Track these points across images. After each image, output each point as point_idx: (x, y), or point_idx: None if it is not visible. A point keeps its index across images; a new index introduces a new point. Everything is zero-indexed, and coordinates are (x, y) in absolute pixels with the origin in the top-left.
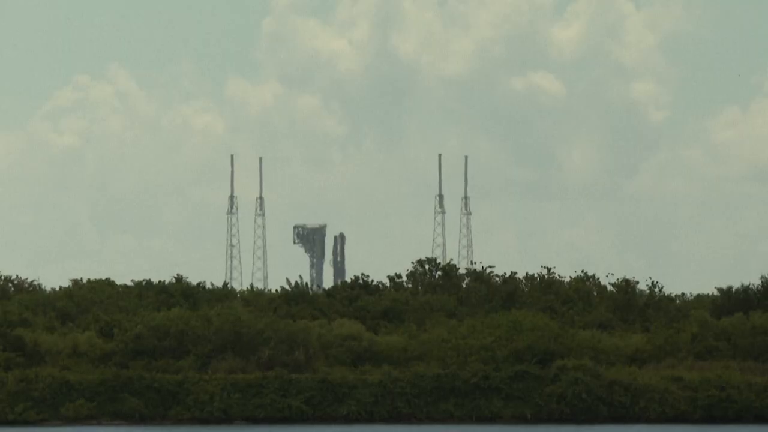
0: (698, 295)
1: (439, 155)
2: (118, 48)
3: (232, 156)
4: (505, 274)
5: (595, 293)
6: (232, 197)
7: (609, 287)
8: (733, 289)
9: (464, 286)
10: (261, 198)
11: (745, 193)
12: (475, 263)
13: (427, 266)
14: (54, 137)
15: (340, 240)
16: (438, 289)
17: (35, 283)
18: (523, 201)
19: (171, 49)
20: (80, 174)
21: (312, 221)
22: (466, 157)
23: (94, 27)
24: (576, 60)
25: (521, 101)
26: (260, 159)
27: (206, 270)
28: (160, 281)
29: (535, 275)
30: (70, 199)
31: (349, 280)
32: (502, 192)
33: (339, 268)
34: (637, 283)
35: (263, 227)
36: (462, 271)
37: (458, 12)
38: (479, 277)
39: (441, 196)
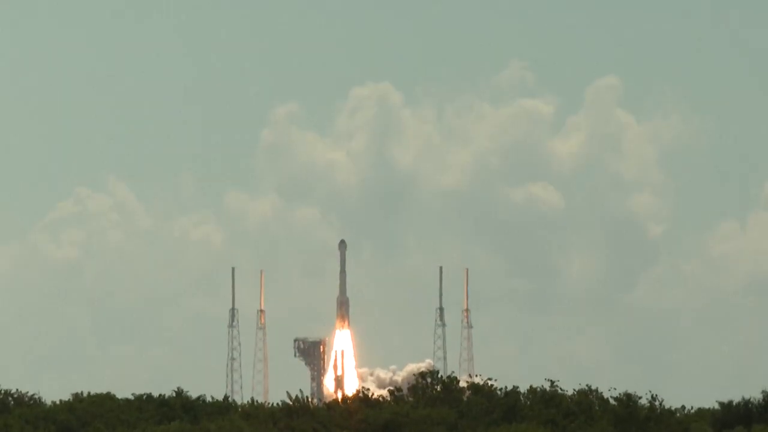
0: (699, 408)
1: (440, 268)
2: (117, 160)
3: (233, 269)
4: (506, 387)
5: (597, 407)
6: (232, 310)
7: (611, 401)
8: (734, 403)
9: (465, 399)
10: (262, 311)
11: (744, 305)
12: (475, 376)
13: (429, 379)
14: (53, 249)
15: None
16: (439, 402)
17: (36, 396)
18: (524, 312)
19: (169, 161)
20: (80, 286)
21: (312, 334)
22: (467, 270)
23: (92, 139)
24: (575, 171)
25: (520, 212)
26: (261, 271)
27: (207, 382)
28: (160, 395)
29: (537, 388)
30: (70, 310)
31: (349, 393)
32: (502, 303)
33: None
34: (640, 397)
35: (264, 340)
36: (463, 383)
37: (457, 123)
38: (480, 389)
39: (441, 309)
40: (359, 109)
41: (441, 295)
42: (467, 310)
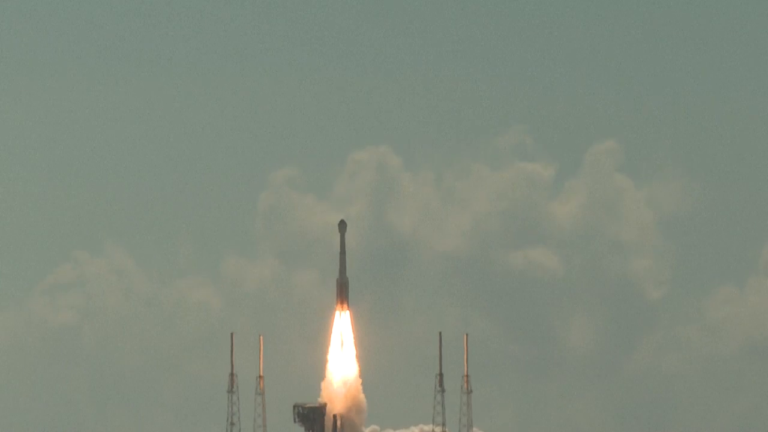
0: None
1: (440, 333)
2: (115, 224)
3: (231, 333)
4: None
5: None
6: (231, 375)
7: None
8: None
9: None
10: (261, 376)
11: (742, 370)
12: None
13: None
14: (51, 314)
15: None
16: None
17: None
18: (523, 377)
19: (168, 225)
20: (78, 350)
21: (312, 399)
22: (467, 335)
23: (90, 203)
24: (574, 235)
25: (520, 277)
26: (260, 336)
27: None
28: None
29: None
30: (68, 375)
31: None
32: (502, 368)
33: None
34: None
35: (263, 406)
36: None
37: (456, 187)
38: None
39: (441, 375)
40: (358, 173)
41: (441, 360)
42: (467, 375)
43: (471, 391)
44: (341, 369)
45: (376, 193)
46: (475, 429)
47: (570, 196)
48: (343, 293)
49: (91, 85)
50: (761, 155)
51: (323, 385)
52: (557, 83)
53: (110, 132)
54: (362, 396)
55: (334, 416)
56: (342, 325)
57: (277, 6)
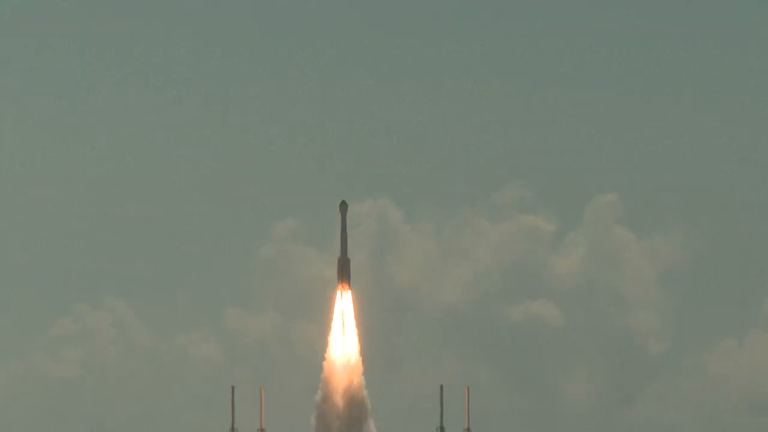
0: None
1: (441, 386)
2: (116, 277)
3: (232, 387)
4: None
5: None
6: (233, 429)
7: None
8: None
9: None
10: (262, 429)
11: (743, 424)
12: None
13: None
14: (52, 367)
15: None
16: None
17: None
18: (525, 430)
19: (168, 278)
20: (79, 404)
21: None
22: (468, 389)
23: (92, 257)
24: (575, 289)
25: (521, 330)
26: (261, 390)
27: None
28: None
29: None
30: (69, 429)
31: None
32: (503, 421)
33: None
34: None
35: None
36: None
37: (456, 240)
38: None
39: (442, 428)
40: (358, 225)
41: (442, 413)
42: (468, 429)
43: None
44: None
45: (377, 245)
46: None
47: (571, 248)
48: (343, 271)
49: (92, 137)
50: (761, 208)
51: None
52: (557, 137)
53: (111, 186)
54: None
55: None
56: None
57: (278, 59)
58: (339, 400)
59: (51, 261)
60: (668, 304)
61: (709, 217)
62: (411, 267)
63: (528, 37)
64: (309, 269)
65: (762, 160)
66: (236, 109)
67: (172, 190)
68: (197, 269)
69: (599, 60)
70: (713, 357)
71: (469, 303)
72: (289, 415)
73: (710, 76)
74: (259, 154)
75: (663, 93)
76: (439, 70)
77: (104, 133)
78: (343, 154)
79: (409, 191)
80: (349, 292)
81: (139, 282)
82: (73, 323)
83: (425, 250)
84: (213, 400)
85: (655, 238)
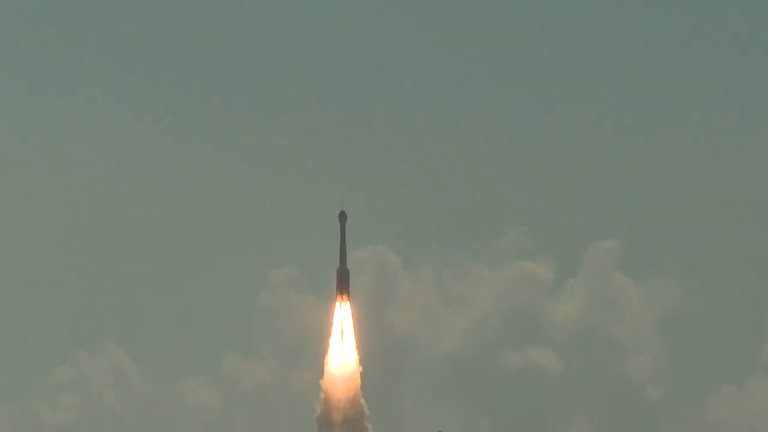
0: None
1: None
2: (114, 324)
3: None
4: None
5: None
6: None
7: None
8: None
9: None
10: None
11: None
12: None
13: None
14: (50, 413)
15: None
16: None
17: None
18: None
19: (166, 324)
20: None
21: None
22: None
23: (89, 303)
24: (574, 335)
25: (519, 377)
26: None
27: None
28: None
29: None
30: None
31: None
32: None
33: None
34: None
35: None
36: None
37: (455, 287)
38: None
39: None
40: (358, 273)
41: None
42: None
43: None
44: None
45: (375, 293)
46: None
47: (570, 295)
48: (342, 282)
49: (91, 188)
50: (761, 253)
51: None
52: (555, 184)
53: (110, 232)
54: None
55: None
56: None
57: (278, 106)
58: None
59: (49, 307)
60: (667, 350)
61: (707, 262)
62: (410, 314)
63: (527, 83)
64: (308, 316)
65: (761, 204)
66: (236, 155)
67: (171, 238)
68: (195, 316)
69: (598, 108)
70: (713, 403)
71: (467, 350)
72: None
73: (710, 125)
74: (257, 201)
75: (661, 140)
76: (438, 117)
77: (103, 179)
78: (341, 202)
79: (408, 237)
80: (348, 303)
81: (137, 328)
82: (71, 369)
83: (424, 297)
84: None
85: (653, 284)
